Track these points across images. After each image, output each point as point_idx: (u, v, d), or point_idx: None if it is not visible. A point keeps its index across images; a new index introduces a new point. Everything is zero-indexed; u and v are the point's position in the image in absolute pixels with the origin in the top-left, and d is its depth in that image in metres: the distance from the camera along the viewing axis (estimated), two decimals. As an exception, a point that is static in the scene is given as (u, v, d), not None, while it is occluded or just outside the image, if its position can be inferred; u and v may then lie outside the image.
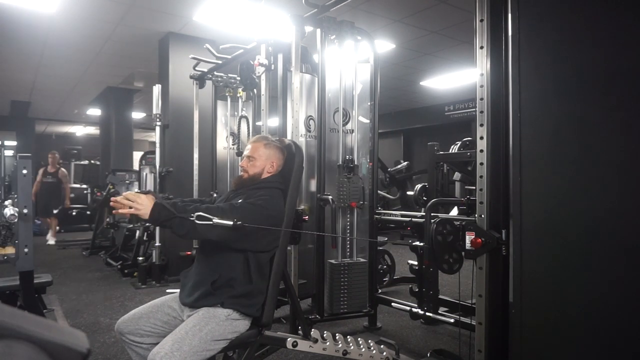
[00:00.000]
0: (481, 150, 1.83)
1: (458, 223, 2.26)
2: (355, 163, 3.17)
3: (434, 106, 9.66)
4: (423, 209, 3.54)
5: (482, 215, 1.81)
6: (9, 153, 10.15)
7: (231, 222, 1.59)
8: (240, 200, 1.81)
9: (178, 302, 1.82)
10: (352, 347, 2.10)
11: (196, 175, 4.85)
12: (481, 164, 1.82)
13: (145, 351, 1.72)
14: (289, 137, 3.02)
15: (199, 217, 1.59)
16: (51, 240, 7.55)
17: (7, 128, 10.67)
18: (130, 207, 1.55)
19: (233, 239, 1.70)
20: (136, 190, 6.70)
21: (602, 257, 1.38)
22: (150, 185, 6.15)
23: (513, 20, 1.64)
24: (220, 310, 1.70)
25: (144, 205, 1.55)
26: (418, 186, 4.12)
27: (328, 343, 2.03)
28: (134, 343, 1.74)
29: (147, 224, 5.29)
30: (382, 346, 2.27)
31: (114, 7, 4.51)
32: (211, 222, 1.59)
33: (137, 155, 8.06)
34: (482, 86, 1.83)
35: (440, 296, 3.26)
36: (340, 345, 2.06)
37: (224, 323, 1.68)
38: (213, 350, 1.65)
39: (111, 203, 1.59)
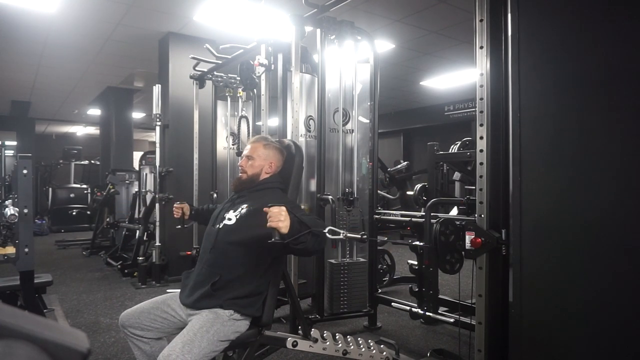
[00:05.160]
0: (481, 150, 1.83)
1: (459, 223, 2.27)
2: (355, 195, 3.14)
3: (433, 106, 9.65)
4: (423, 209, 3.53)
5: (482, 215, 1.81)
6: (9, 153, 10.13)
7: (359, 236, 1.64)
8: (304, 214, 1.79)
9: (177, 302, 1.83)
10: (352, 347, 2.10)
11: (196, 175, 4.85)
12: (481, 163, 1.82)
13: (145, 345, 1.78)
14: (289, 137, 3.02)
15: (331, 231, 1.63)
16: None
17: (7, 128, 10.65)
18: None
19: None
20: (135, 190, 6.71)
21: (602, 256, 1.38)
22: (150, 185, 6.14)
23: (513, 20, 1.64)
24: (222, 311, 1.71)
25: (287, 220, 1.50)
26: (418, 186, 4.12)
27: (328, 343, 2.03)
28: (135, 336, 1.78)
29: (149, 226, 5.30)
30: (382, 346, 2.27)
31: (114, 7, 4.51)
32: (341, 237, 1.62)
33: (137, 155, 8.06)
34: (481, 86, 1.83)
35: (440, 296, 3.25)
36: (340, 345, 2.06)
37: (227, 323, 1.70)
38: (217, 350, 1.67)
39: (269, 213, 1.50)
